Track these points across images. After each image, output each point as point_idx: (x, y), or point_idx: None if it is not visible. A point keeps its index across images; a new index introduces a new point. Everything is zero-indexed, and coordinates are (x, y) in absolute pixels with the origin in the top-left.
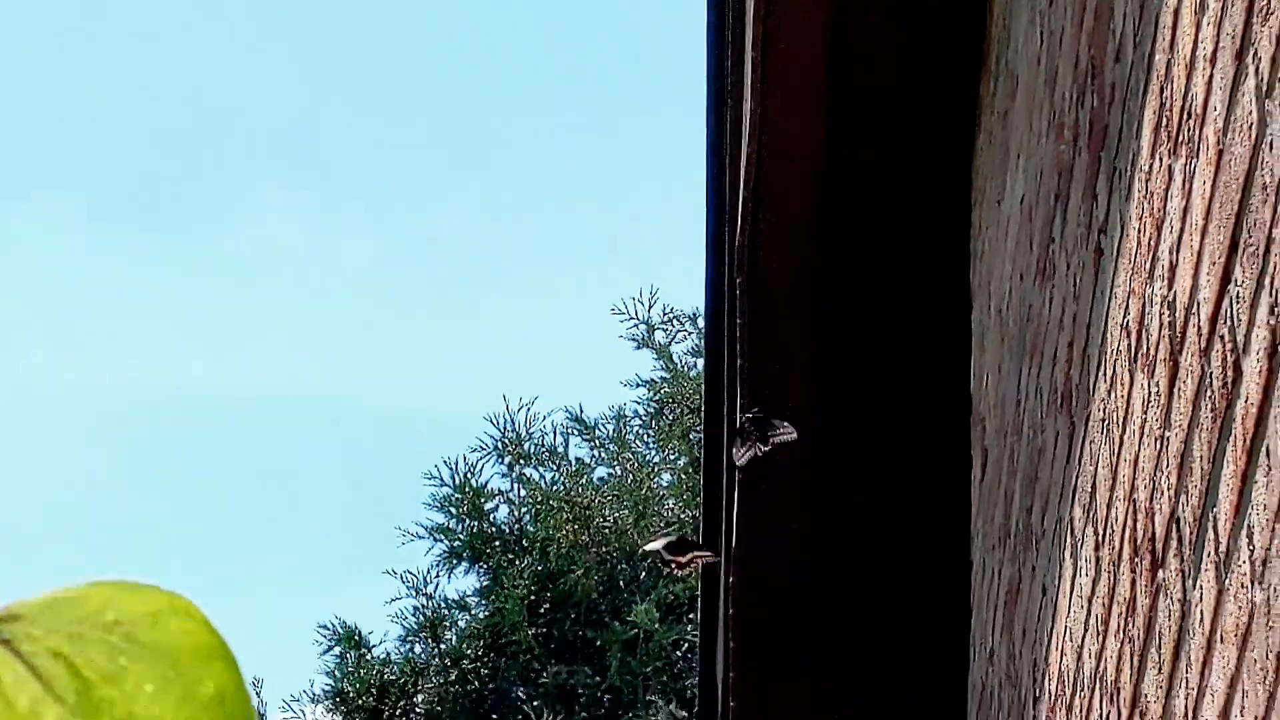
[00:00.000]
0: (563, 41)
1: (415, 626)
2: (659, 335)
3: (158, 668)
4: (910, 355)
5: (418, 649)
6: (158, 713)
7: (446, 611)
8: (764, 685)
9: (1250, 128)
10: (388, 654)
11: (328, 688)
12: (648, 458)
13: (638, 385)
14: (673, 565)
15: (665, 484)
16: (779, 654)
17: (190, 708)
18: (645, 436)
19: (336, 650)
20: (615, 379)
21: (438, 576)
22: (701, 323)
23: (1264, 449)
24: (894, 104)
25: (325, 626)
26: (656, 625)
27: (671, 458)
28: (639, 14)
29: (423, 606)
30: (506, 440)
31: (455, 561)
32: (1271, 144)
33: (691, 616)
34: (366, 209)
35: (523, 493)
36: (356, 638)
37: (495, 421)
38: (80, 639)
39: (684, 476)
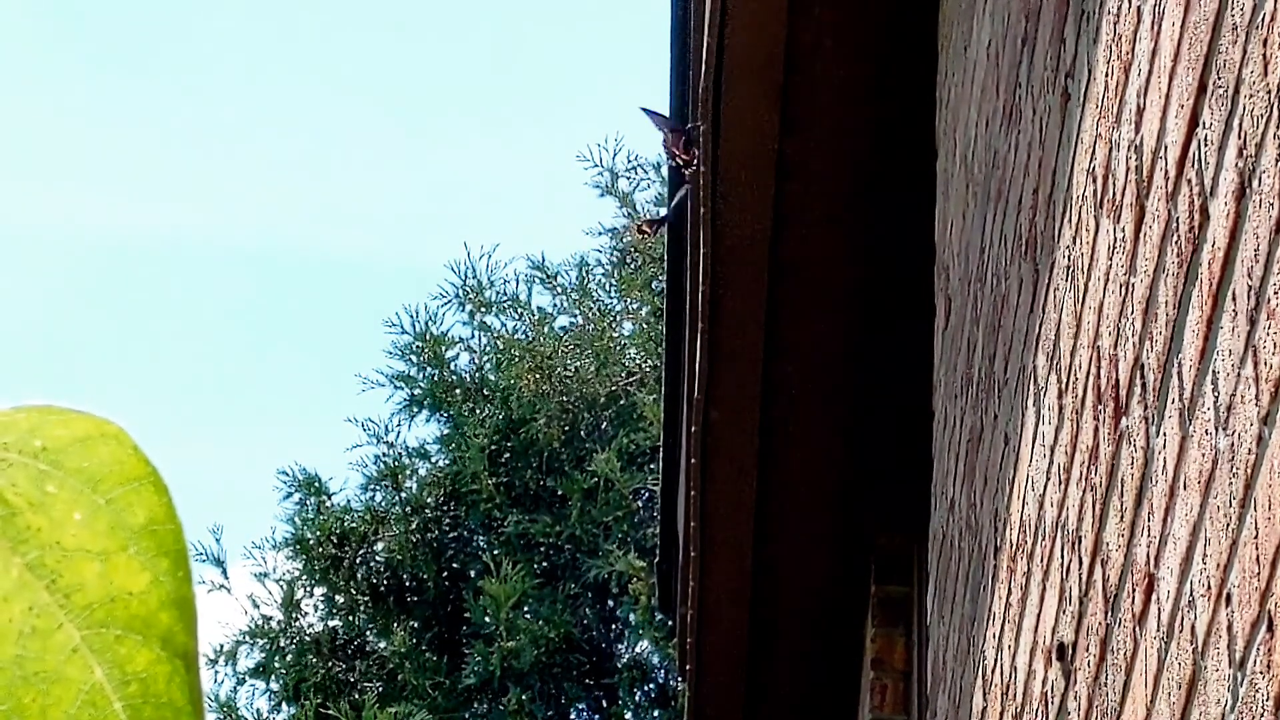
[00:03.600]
0: None
1: (376, 474)
2: (622, 183)
3: (86, 495)
4: (875, 201)
5: (378, 497)
6: (86, 540)
7: (407, 460)
8: (725, 535)
9: None
10: (348, 501)
11: (288, 535)
12: (610, 306)
13: (600, 233)
14: (672, 152)
15: (627, 333)
16: (739, 504)
17: (119, 535)
18: (607, 285)
19: (297, 497)
20: (578, 227)
21: (399, 424)
22: (665, 171)
23: (1230, 294)
24: None
25: (285, 473)
26: (617, 474)
27: (634, 306)
28: None
29: (384, 454)
30: (468, 288)
31: (416, 409)
32: None
33: (652, 466)
34: (323, 52)
35: (484, 341)
36: (317, 485)
37: (456, 269)
38: (5, 464)
39: (646, 325)
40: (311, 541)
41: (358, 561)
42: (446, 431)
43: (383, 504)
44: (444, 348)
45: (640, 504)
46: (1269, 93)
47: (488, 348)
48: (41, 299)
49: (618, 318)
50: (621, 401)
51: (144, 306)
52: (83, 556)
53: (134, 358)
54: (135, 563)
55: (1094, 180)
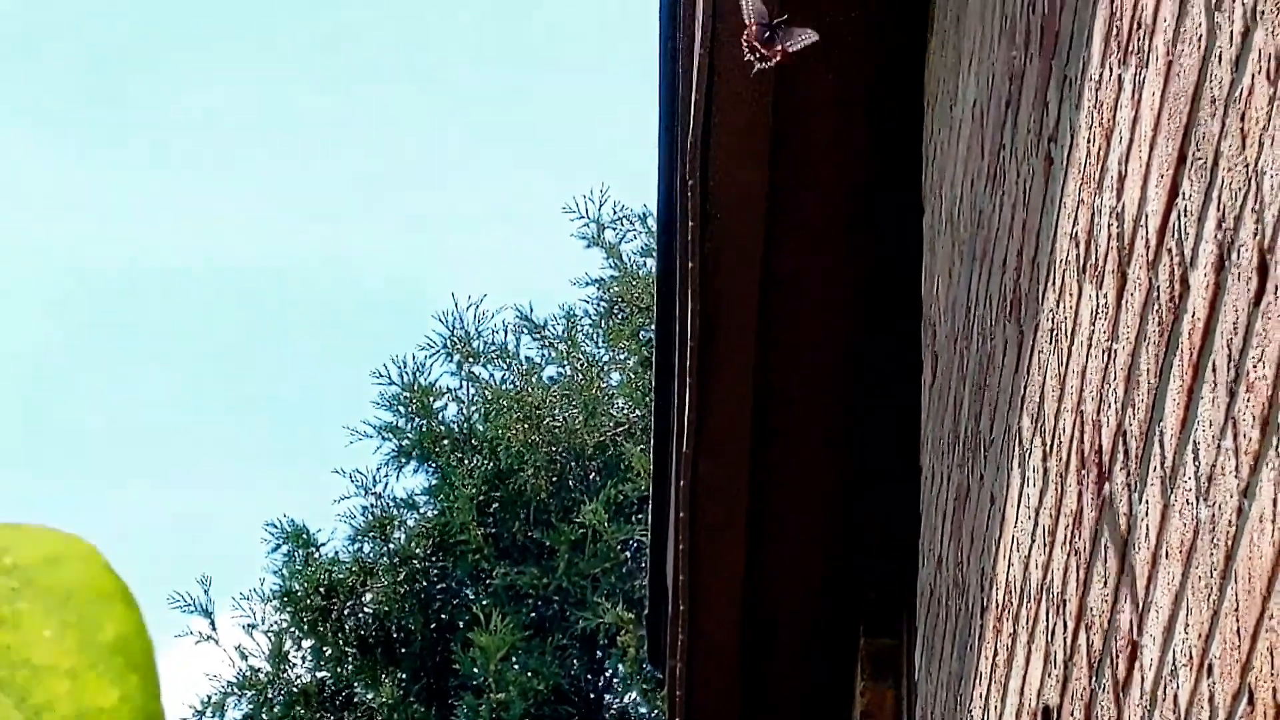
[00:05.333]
0: None
1: (364, 526)
2: (609, 234)
3: (56, 612)
4: (863, 256)
5: (366, 548)
6: (56, 657)
7: (395, 511)
8: (712, 588)
9: (1199, 39)
10: (336, 553)
11: (276, 586)
12: (597, 357)
13: (587, 284)
14: (753, 45)
15: (615, 383)
16: (728, 556)
17: (89, 652)
18: (595, 336)
19: (285, 549)
20: (565, 277)
21: (386, 476)
22: (652, 222)
23: (1210, 365)
24: (846, 4)
25: (273, 525)
26: (606, 526)
27: (621, 357)
28: None
29: (371, 506)
30: (456, 339)
31: (404, 461)
32: (1220, 56)
33: (640, 517)
34: (314, 92)
35: (472, 391)
36: (304, 536)
37: (444, 320)
38: None
39: (633, 376)
40: (299, 593)
41: (346, 613)
42: (434, 482)
43: (371, 555)
44: (432, 398)
45: (629, 555)
46: (1247, 166)
47: (476, 398)
48: (19, 337)
49: (605, 368)
50: (609, 452)
51: (128, 350)
52: (52, 674)
53: (119, 403)
54: (105, 679)
55: (1077, 245)
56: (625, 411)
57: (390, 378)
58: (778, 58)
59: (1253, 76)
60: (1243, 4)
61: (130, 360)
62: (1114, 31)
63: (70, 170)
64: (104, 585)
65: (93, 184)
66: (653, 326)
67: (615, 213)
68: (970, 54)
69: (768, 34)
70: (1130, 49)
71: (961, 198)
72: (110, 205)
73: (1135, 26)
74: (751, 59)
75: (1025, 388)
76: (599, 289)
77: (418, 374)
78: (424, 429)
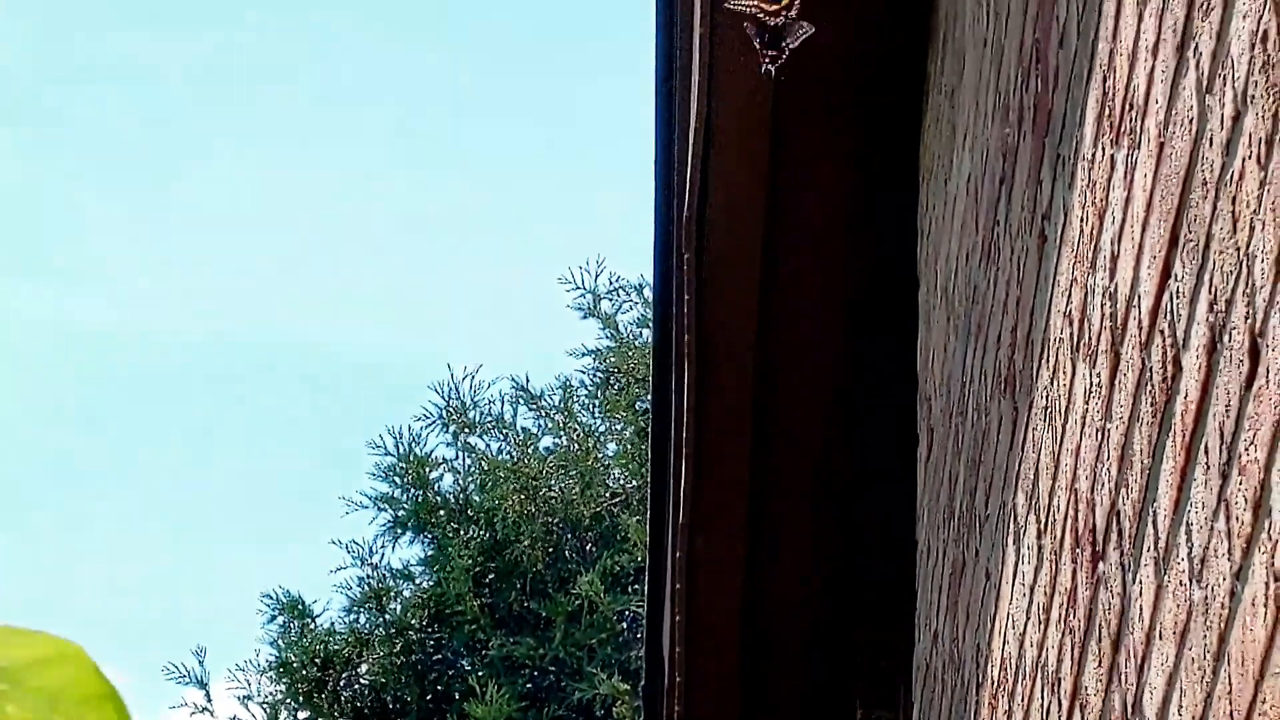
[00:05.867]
0: (511, 6)
1: (360, 596)
2: (605, 305)
3: (45, 713)
4: (858, 331)
5: (362, 619)
6: None
7: (391, 581)
8: (710, 661)
9: (1190, 122)
10: (332, 624)
11: (272, 658)
12: (593, 427)
13: (584, 355)
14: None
15: (611, 454)
16: (724, 630)
17: None
18: (591, 406)
19: (280, 620)
20: (561, 348)
21: (383, 546)
22: (648, 293)
23: (1203, 447)
24: (841, 79)
25: (269, 596)
26: (601, 596)
27: (617, 428)
28: None
29: (367, 576)
30: (452, 409)
31: (400, 531)
32: (1211, 140)
33: (636, 588)
34: (309, 166)
35: (468, 462)
36: (300, 607)
37: (440, 390)
38: None
39: (629, 446)
40: (295, 664)
41: (342, 684)
42: (430, 553)
43: (367, 626)
44: (428, 469)
45: (625, 626)
46: (1238, 250)
47: (472, 469)
48: (13, 405)
49: (602, 439)
50: (606, 523)
51: (124, 420)
52: None
53: (114, 474)
54: None
55: (1070, 323)
56: (621, 482)
57: (386, 448)
58: (784, 55)
59: (1244, 160)
60: (1234, 88)
61: (127, 427)
62: (1106, 112)
63: (64, 237)
64: (92, 688)
65: (86, 251)
66: (649, 397)
67: (611, 283)
68: (965, 129)
69: (768, 35)
70: (1123, 130)
71: (956, 272)
72: (108, 274)
73: (1127, 108)
74: (762, 56)
75: (1020, 464)
76: (595, 360)
77: (414, 444)
78: (420, 499)
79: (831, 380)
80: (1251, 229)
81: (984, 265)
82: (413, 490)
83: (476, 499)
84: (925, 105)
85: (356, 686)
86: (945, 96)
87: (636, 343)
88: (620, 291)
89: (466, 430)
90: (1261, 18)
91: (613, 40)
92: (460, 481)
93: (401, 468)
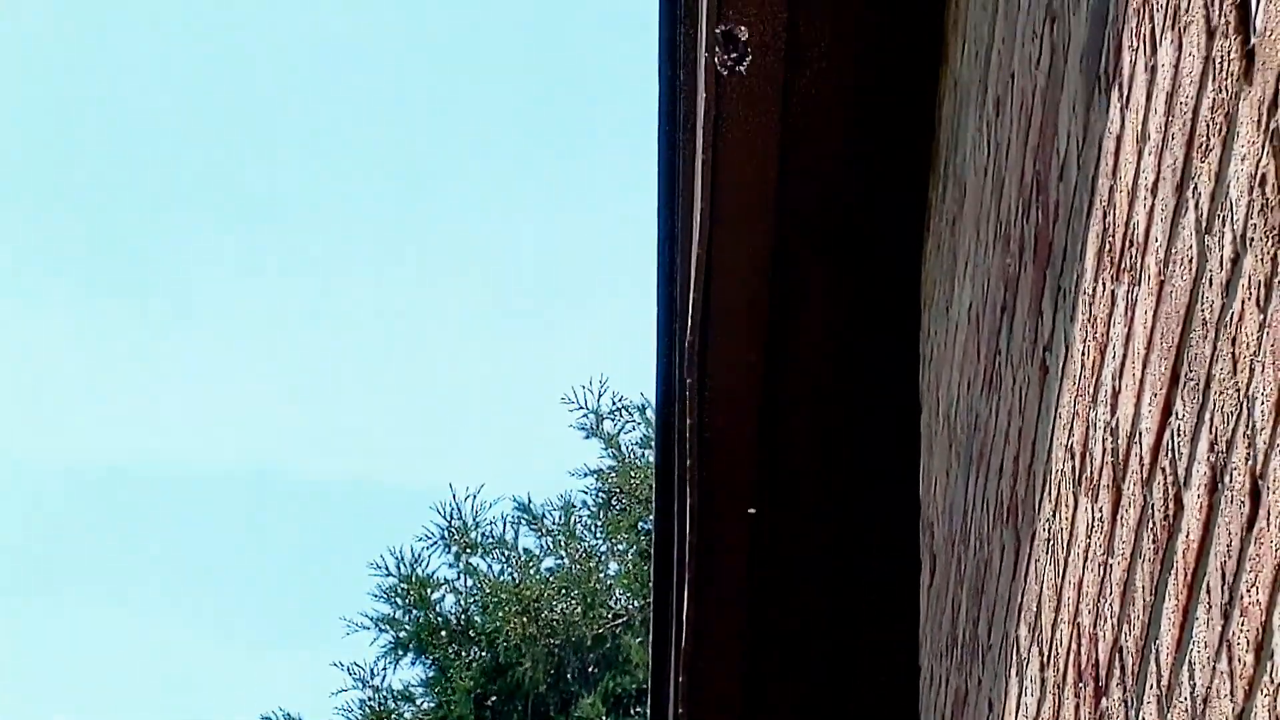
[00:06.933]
0: (515, 119)
1: (361, 718)
2: (607, 425)
3: None
4: (861, 456)
5: None
6: None
7: (393, 704)
8: None
9: (1190, 261)
10: None
11: None
12: (596, 548)
13: (586, 475)
14: None
15: (613, 574)
16: None
17: None
18: (593, 526)
19: None
20: (563, 468)
21: (384, 668)
22: (650, 413)
23: (1204, 585)
24: (843, 205)
25: (269, 718)
26: (604, 718)
27: (620, 548)
28: (594, 94)
29: (369, 699)
30: (453, 529)
31: (401, 652)
32: (1211, 280)
33: (639, 710)
34: (310, 286)
35: (470, 583)
36: None
37: (441, 510)
38: None
39: (632, 566)
40: None
41: None
42: (432, 674)
43: None
44: (429, 590)
45: None
46: (1239, 390)
47: (473, 590)
48: (17, 526)
49: (604, 559)
50: (608, 644)
51: (125, 538)
52: None
53: (114, 593)
54: None
55: (1072, 456)
56: (624, 602)
57: (388, 569)
58: (747, 55)
59: (1243, 302)
60: (1233, 229)
61: (129, 553)
62: (1107, 247)
63: (52, 369)
64: None
65: (76, 383)
66: (651, 517)
67: (614, 403)
68: (966, 258)
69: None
70: (1123, 266)
71: (958, 400)
72: (107, 406)
73: (1128, 244)
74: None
75: (1022, 596)
76: (597, 479)
77: (415, 565)
78: (421, 620)
79: (834, 506)
80: (1251, 371)
81: (985, 393)
82: (414, 611)
83: (478, 620)
84: (927, 232)
85: None
86: (946, 224)
87: (639, 462)
88: (623, 411)
89: (468, 551)
90: (1260, 160)
91: (615, 157)
92: (462, 602)
93: (403, 589)
